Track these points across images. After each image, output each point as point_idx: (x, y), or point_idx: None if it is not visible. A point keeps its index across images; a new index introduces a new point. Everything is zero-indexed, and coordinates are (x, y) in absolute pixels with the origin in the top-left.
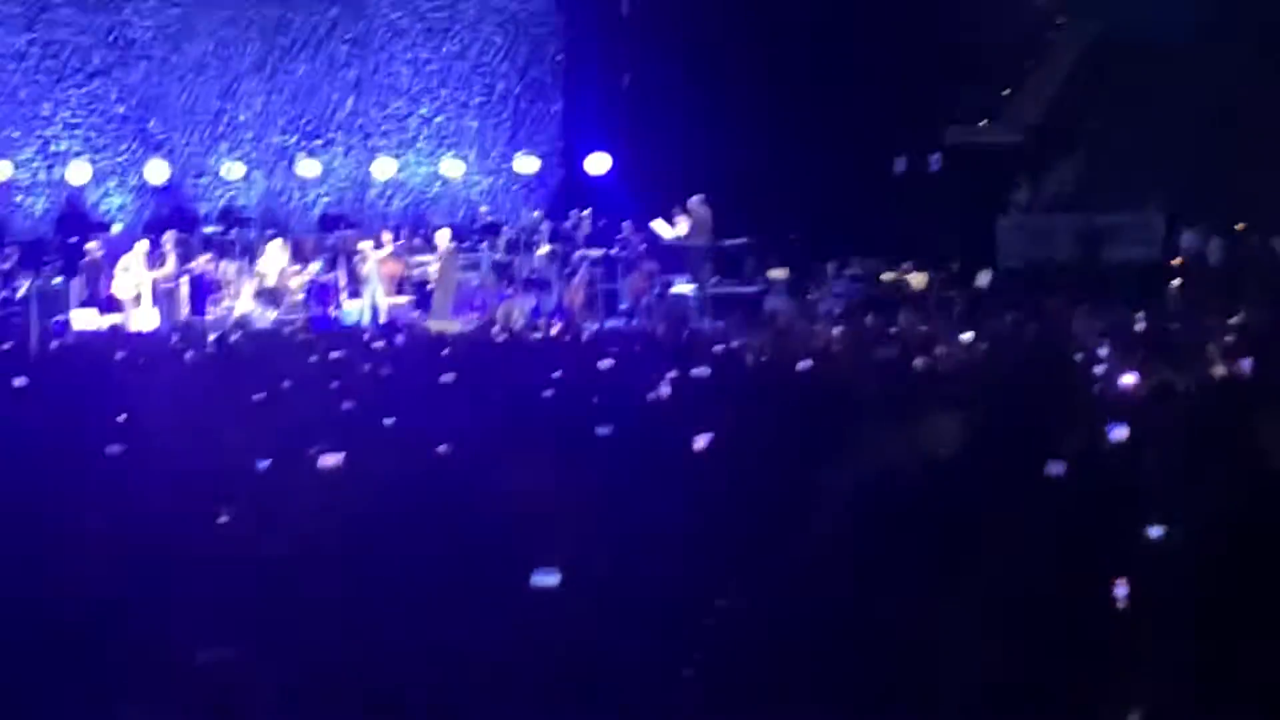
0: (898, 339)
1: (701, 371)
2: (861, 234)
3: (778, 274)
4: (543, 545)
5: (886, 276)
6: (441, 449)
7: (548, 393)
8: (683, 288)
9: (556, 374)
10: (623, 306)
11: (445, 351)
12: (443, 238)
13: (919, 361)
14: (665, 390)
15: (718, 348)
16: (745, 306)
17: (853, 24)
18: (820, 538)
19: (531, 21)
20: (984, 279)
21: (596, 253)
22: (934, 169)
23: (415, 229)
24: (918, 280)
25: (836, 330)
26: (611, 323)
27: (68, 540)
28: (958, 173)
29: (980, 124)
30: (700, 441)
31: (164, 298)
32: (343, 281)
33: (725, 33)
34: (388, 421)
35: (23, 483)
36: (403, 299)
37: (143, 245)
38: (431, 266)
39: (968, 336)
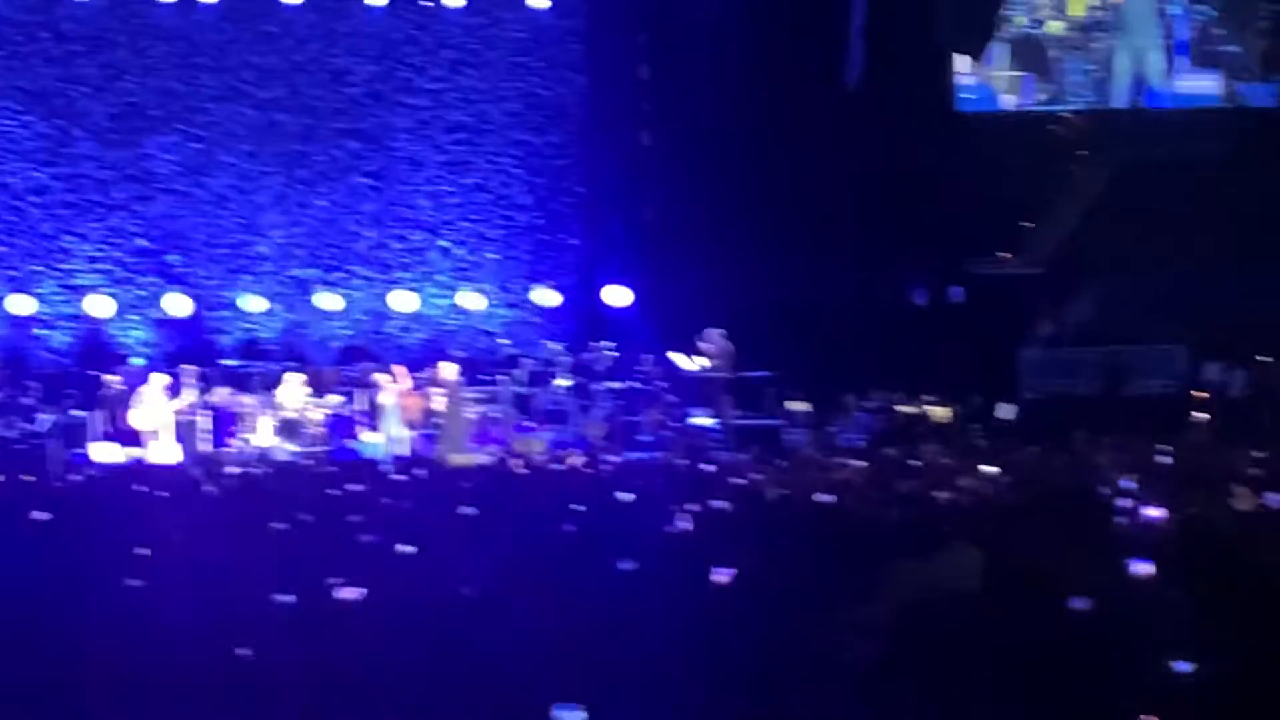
0: (919, 472)
1: (721, 505)
2: (882, 366)
3: (797, 406)
4: (563, 680)
5: (908, 409)
6: (461, 583)
7: (568, 526)
8: (703, 420)
9: (577, 507)
10: (643, 439)
11: (465, 484)
12: (449, 371)
13: (941, 495)
14: (685, 524)
15: (738, 481)
16: (765, 439)
17: (872, 156)
18: (840, 673)
19: (552, 154)
20: (1007, 411)
21: (616, 385)
22: (955, 300)
23: (434, 362)
24: (939, 413)
25: (857, 463)
26: (632, 455)
27: (88, 674)
28: (979, 304)
29: (1002, 255)
30: (720, 576)
31: (184, 431)
32: (362, 414)
33: (746, 166)
34: (407, 555)
35: (43, 616)
36: (421, 432)
37: (163, 378)
38: (437, 400)
39: (991, 470)
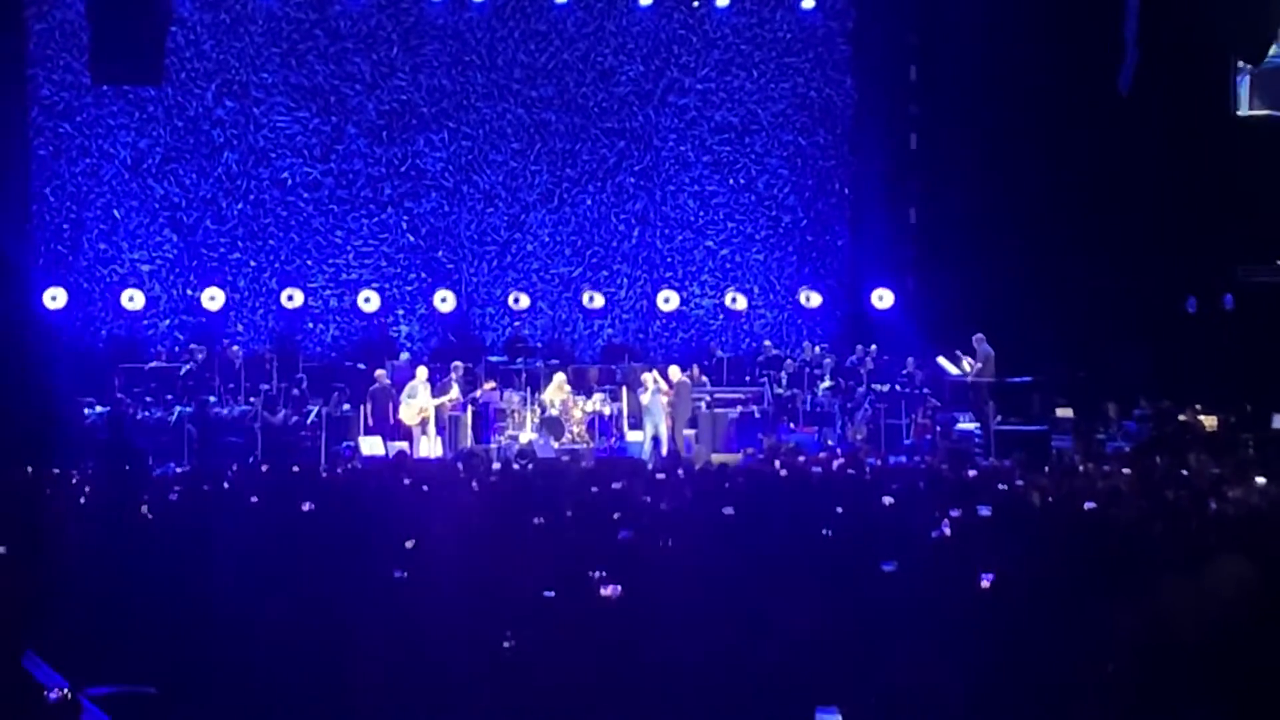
0: (1188, 481)
1: (985, 510)
2: (1151, 373)
3: (1064, 413)
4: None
5: (1176, 417)
6: (720, 581)
7: (829, 527)
8: (966, 425)
9: (839, 509)
10: (906, 442)
11: (726, 484)
12: (674, 372)
13: (1210, 505)
14: (948, 528)
15: (1001, 486)
16: (1030, 445)
17: (1143, 162)
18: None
19: (818, 154)
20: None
21: (879, 388)
22: (1226, 308)
23: (697, 362)
24: (1208, 421)
25: (1124, 471)
26: (894, 459)
27: (353, 664)
28: (1252, 312)
29: (1274, 262)
30: (984, 581)
31: (449, 425)
32: (625, 412)
33: (1013, 169)
34: (667, 552)
35: (310, 606)
36: (682, 431)
37: (428, 373)
38: (663, 398)
39: (1261, 481)
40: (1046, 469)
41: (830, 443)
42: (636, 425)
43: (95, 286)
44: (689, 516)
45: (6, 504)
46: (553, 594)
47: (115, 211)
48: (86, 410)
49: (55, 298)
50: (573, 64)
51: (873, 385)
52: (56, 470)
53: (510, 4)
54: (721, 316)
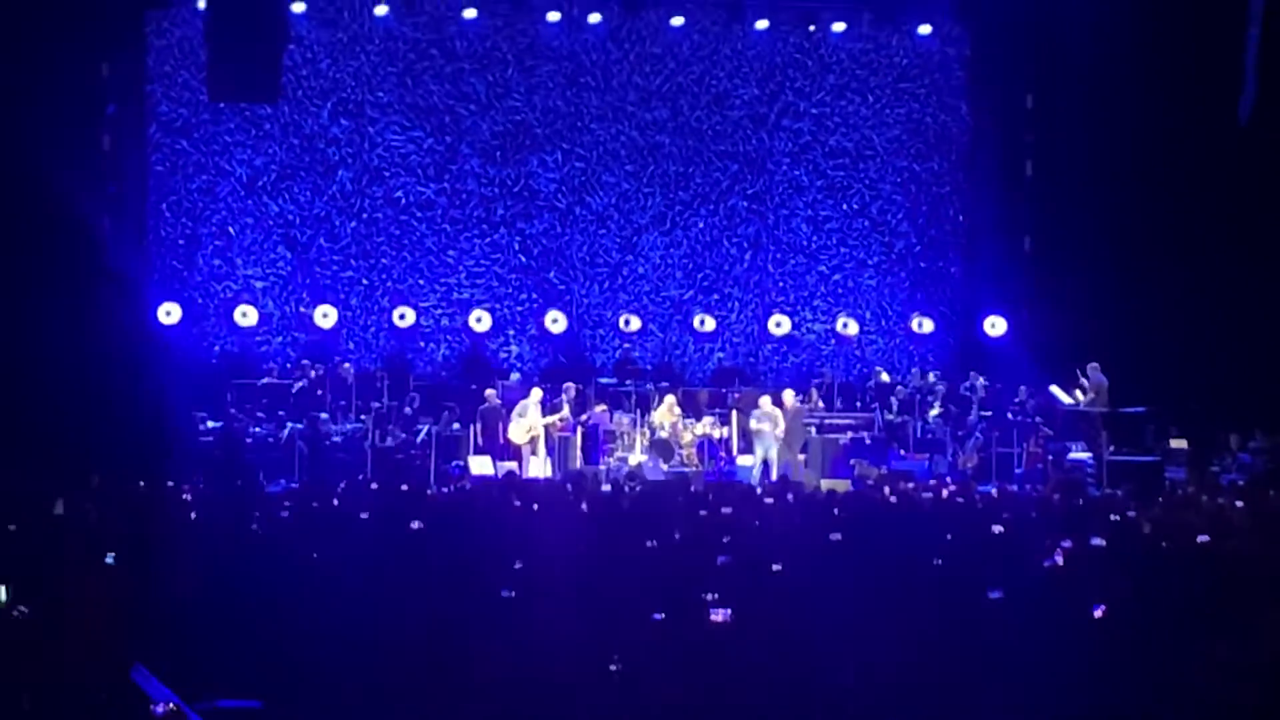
0: None
1: (1097, 541)
2: (1267, 406)
3: (1178, 443)
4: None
5: None
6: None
7: (939, 555)
8: (1078, 454)
9: (948, 536)
10: (1017, 471)
11: (835, 510)
12: (787, 397)
13: None
14: (1059, 558)
15: (1114, 516)
16: (1142, 475)
17: (1263, 193)
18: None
19: (933, 180)
20: None
21: (990, 415)
22: None
23: (808, 386)
24: None
25: (1238, 504)
26: (1005, 487)
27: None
28: None
29: None
30: (1096, 611)
31: (558, 446)
32: (735, 436)
33: (1129, 198)
34: (776, 576)
35: (419, 624)
36: (791, 455)
37: (539, 394)
38: (779, 427)
39: None
40: (1159, 500)
41: (941, 469)
42: (746, 449)
43: (209, 302)
44: (797, 542)
45: (119, 518)
46: (661, 616)
47: (230, 228)
48: (199, 426)
49: (170, 313)
50: (687, 87)
51: (984, 413)
52: (169, 484)
53: (626, 26)
54: (833, 341)
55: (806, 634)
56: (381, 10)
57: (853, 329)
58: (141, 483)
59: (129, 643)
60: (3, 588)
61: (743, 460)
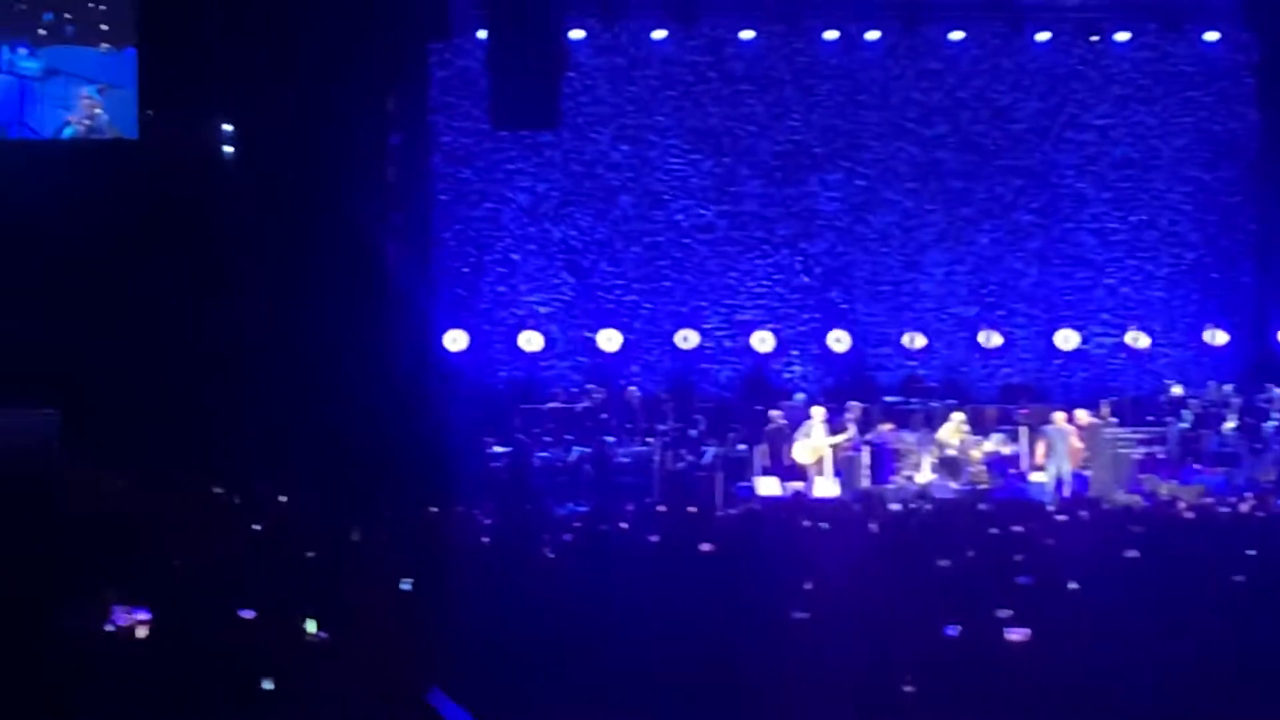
0: None
1: None
2: None
3: None
4: None
5: None
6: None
7: (1240, 571)
8: None
9: (1249, 552)
10: None
11: (1130, 527)
12: (1081, 415)
13: None
14: None
15: None
16: None
17: None
18: None
19: (1223, 189)
20: None
21: None
22: None
23: (1098, 401)
24: None
25: None
26: None
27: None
28: None
29: None
30: None
31: (845, 466)
32: (1025, 453)
33: None
34: (1071, 594)
35: (708, 646)
36: (1082, 472)
37: (822, 413)
38: (1071, 444)
39: None
40: None
41: (1238, 483)
42: (1037, 466)
43: (494, 329)
44: (1093, 559)
45: (411, 543)
46: (955, 636)
47: (513, 255)
48: (487, 451)
49: (456, 340)
50: (967, 101)
51: None
52: (459, 509)
53: (904, 43)
54: (1123, 355)
55: (1105, 653)
56: (659, 35)
57: (1143, 342)
58: (433, 508)
59: (426, 668)
60: (312, 621)
61: (1034, 477)
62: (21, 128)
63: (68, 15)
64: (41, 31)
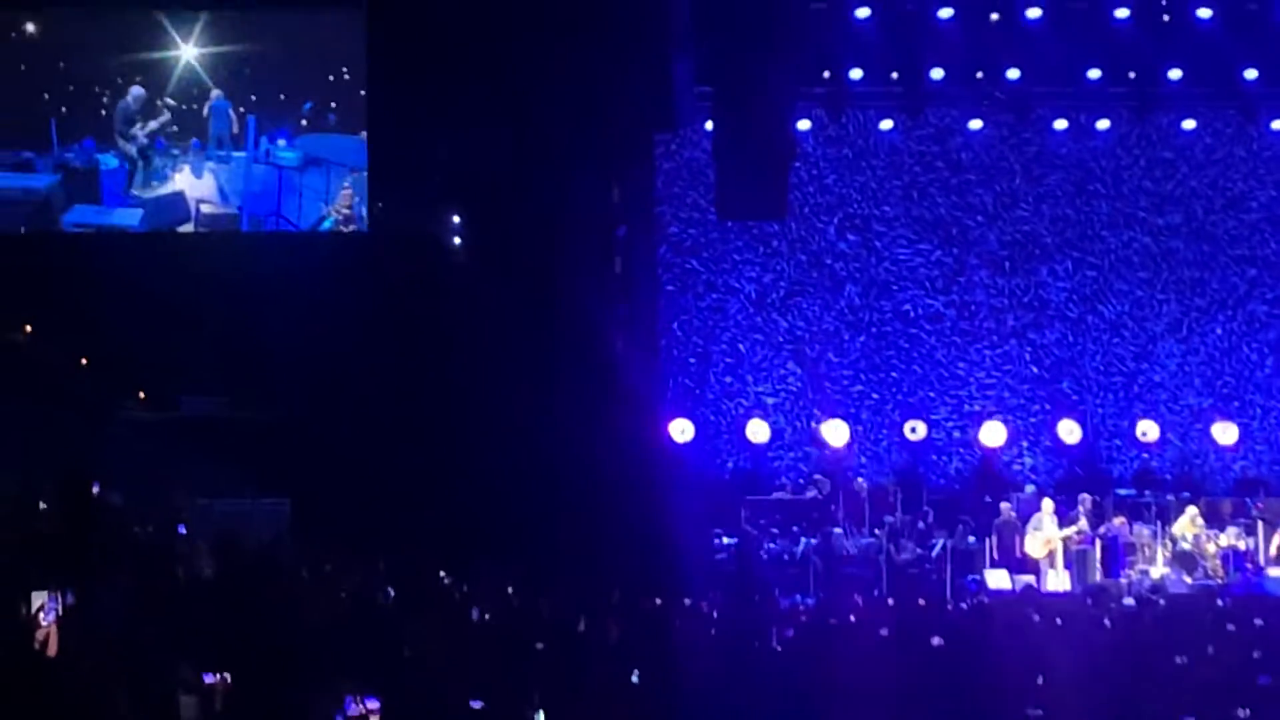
0: None
1: None
2: None
3: None
4: None
5: None
6: None
7: None
8: None
9: None
10: None
11: None
12: None
13: None
14: None
15: None
16: None
17: None
18: None
19: None
20: None
21: None
22: None
23: None
24: None
25: None
26: None
27: None
28: None
29: None
30: None
31: (1077, 560)
32: (1262, 547)
33: None
34: None
35: None
36: None
37: (1051, 505)
38: None
39: None
40: None
41: None
42: (1275, 560)
43: (721, 419)
44: None
45: (638, 635)
46: None
47: (740, 345)
48: (714, 542)
49: (683, 430)
50: (1200, 190)
51: None
52: (686, 601)
53: (1135, 131)
54: None
55: None
56: (887, 125)
57: None
58: (658, 600)
59: None
60: (541, 712)
61: (1271, 572)
62: (279, 220)
63: (333, 104)
64: (303, 122)
